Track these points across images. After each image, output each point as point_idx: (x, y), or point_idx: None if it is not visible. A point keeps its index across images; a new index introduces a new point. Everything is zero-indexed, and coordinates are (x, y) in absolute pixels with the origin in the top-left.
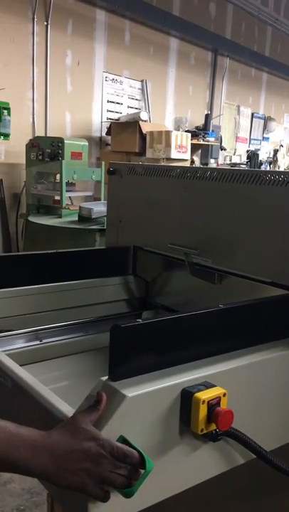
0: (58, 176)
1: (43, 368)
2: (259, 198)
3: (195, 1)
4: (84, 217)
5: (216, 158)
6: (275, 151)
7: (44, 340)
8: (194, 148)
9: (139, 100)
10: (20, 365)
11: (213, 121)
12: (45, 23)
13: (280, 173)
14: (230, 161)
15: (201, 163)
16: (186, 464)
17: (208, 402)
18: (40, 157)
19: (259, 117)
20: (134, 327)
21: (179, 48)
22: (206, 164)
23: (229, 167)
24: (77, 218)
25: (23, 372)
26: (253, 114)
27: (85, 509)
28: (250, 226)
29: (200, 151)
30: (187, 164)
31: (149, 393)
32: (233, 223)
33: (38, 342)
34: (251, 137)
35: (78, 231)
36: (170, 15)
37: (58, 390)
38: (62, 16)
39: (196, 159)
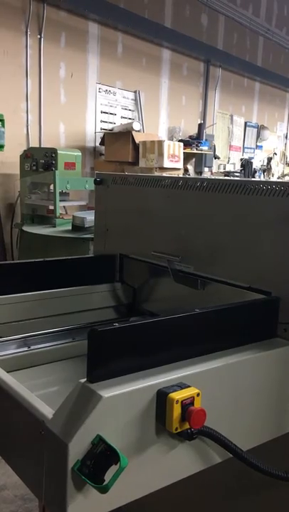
0: (51, 186)
1: (32, 374)
2: (237, 207)
3: (187, 12)
4: (77, 227)
5: (210, 167)
6: (269, 159)
7: (32, 347)
8: (188, 157)
9: (133, 111)
10: (9, 372)
11: (207, 131)
12: (39, 36)
13: (259, 182)
14: (224, 169)
15: (195, 172)
16: (162, 462)
17: (181, 401)
18: (34, 167)
19: (252, 126)
20: (111, 331)
21: (171, 58)
22: (200, 173)
23: (223, 175)
24: (70, 227)
25: (5, 376)
26: (246, 123)
27: (64, 506)
28: (229, 234)
29: (194, 159)
30: (180, 173)
31: (125, 394)
32: (212, 231)
33: (26, 348)
34: (245, 146)
35: (72, 240)
36: (162, 26)
37: (46, 395)
38: (55, 28)
39: (190, 168)
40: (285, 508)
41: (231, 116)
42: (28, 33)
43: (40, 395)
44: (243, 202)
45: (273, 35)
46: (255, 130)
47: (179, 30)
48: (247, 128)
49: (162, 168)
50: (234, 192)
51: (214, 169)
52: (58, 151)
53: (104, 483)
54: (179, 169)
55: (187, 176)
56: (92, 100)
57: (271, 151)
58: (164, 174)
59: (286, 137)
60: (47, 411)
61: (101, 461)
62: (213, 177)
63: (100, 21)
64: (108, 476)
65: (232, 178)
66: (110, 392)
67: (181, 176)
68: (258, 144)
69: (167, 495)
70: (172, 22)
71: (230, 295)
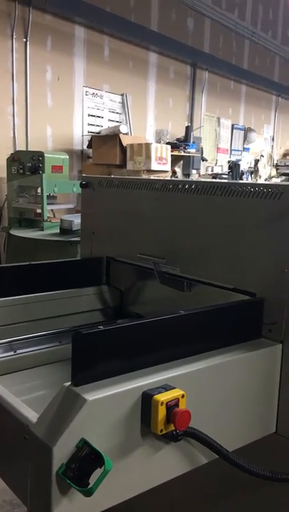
0: (39, 190)
1: (18, 378)
2: (221, 209)
3: (173, 16)
4: (65, 230)
5: (198, 169)
6: (256, 161)
7: (19, 351)
8: (176, 159)
9: (120, 113)
10: None
11: (194, 133)
12: (24, 39)
13: (243, 184)
14: (212, 171)
15: (183, 174)
16: (148, 465)
17: (166, 403)
18: (21, 171)
19: (239, 128)
20: (96, 334)
21: (158, 62)
22: (188, 175)
23: (211, 177)
24: (58, 231)
25: None
26: (233, 126)
27: (49, 510)
28: (215, 236)
29: (181, 162)
30: (168, 176)
31: (110, 397)
32: (198, 233)
33: (12, 353)
34: (232, 148)
35: (60, 243)
36: (148, 30)
37: (32, 400)
38: (41, 32)
39: (178, 170)
40: (272, 507)
41: (218, 118)
42: (14, 36)
43: (27, 399)
44: (229, 204)
45: (259, 39)
46: (242, 132)
47: (165, 33)
48: (234, 130)
49: (150, 171)
50: (220, 194)
51: (202, 171)
52: (45, 155)
53: (89, 486)
54: (166, 172)
55: (175, 178)
56: (79, 103)
57: (258, 153)
58: (152, 177)
59: (273, 139)
60: (31, 415)
61: (86, 464)
62: (200, 179)
63: (86, 25)
64: (93, 479)
65: (219, 180)
66: (95, 395)
67: (167, 178)
68: (245, 146)
69: (156, 496)
70: (158, 25)
71: (216, 296)
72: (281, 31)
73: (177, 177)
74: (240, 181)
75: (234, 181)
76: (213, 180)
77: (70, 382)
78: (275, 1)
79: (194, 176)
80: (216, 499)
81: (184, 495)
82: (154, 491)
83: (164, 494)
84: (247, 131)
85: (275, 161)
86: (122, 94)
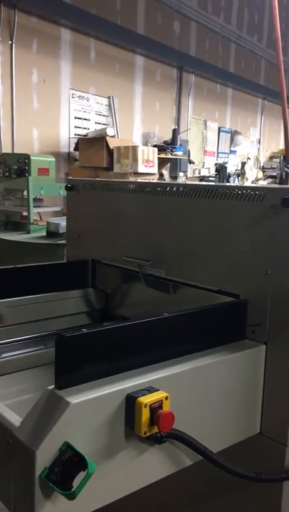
0: (25, 192)
1: (4, 382)
2: (205, 211)
3: (159, 19)
4: (52, 233)
5: (185, 172)
6: (243, 164)
7: (4, 355)
8: (163, 162)
9: (107, 116)
10: None
11: (181, 136)
12: (10, 41)
13: (226, 187)
14: (199, 173)
15: (170, 177)
16: (132, 467)
17: (150, 405)
18: (7, 173)
19: (226, 131)
20: (79, 337)
21: (144, 65)
22: (175, 178)
23: (198, 180)
24: (45, 234)
25: None
26: (219, 128)
27: None
28: (199, 238)
29: (169, 164)
30: (155, 178)
31: (93, 399)
32: (183, 236)
33: None
34: (219, 151)
35: (46, 246)
36: (135, 33)
37: (17, 404)
38: (26, 34)
39: (166, 173)
40: (256, 508)
41: (205, 121)
42: (0, 39)
43: (11, 403)
44: (214, 206)
45: (245, 42)
46: (229, 135)
47: (152, 36)
48: (221, 133)
49: (137, 174)
50: (205, 197)
51: (189, 174)
52: (31, 157)
53: (72, 489)
54: (153, 174)
55: (162, 180)
56: (66, 106)
57: (245, 155)
58: (139, 179)
59: (259, 142)
60: (14, 419)
61: (69, 467)
62: (187, 182)
63: (72, 27)
64: (77, 483)
65: (205, 183)
66: (78, 398)
67: (153, 181)
68: (232, 148)
69: (143, 498)
70: (145, 29)
71: (201, 298)
72: (266, 35)
73: (164, 179)
74: (224, 184)
75: (217, 184)
76: (196, 182)
77: (53, 386)
78: (261, 4)
79: (182, 179)
80: (203, 500)
81: (170, 496)
82: (140, 493)
83: (150, 496)
84: (233, 134)
85: (262, 164)
86: (109, 97)
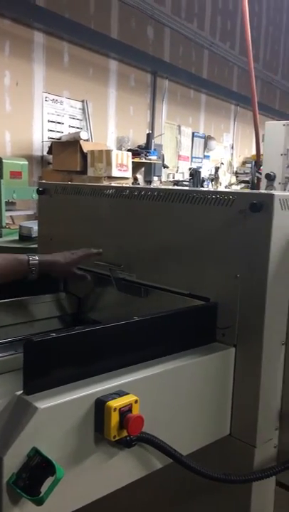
0: None
1: None
2: (177, 216)
3: (132, 24)
4: (24, 236)
5: (159, 176)
6: (216, 169)
7: None
8: (137, 166)
9: (81, 120)
10: None
11: (155, 140)
12: None
13: (197, 191)
14: (174, 178)
15: (145, 181)
16: (102, 471)
17: (119, 409)
18: None
19: (199, 136)
20: (47, 341)
21: (118, 69)
22: (150, 182)
23: (172, 184)
24: (18, 237)
25: None
26: (193, 134)
27: None
28: (170, 242)
29: (143, 169)
30: (129, 182)
31: (62, 404)
32: (155, 240)
33: None
34: (193, 155)
35: (19, 250)
36: (108, 38)
37: None
38: None
39: (140, 177)
40: (227, 509)
41: (179, 126)
42: None
43: None
44: (184, 211)
45: (217, 49)
46: (203, 140)
47: (126, 41)
48: (194, 138)
49: (111, 177)
50: (178, 201)
51: (163, 178)
52: (3, 160)
53: (40, 495)
54: (127, 178)
55: (136, 185)
56: (39, 109)
57: (218, 160)
58: (113, 183)
59: (232, 147)
60: None
61: (37, 473)
62: (160, 186)
63: (46, 31)
64: (45, 488)
65: (179, 187)
66: (46, 403)
67: (124, 185)
68: (206, 153)
69: (115, 501)
70: (118, 33)
71: (172, 302)
72: (239, 42)
73: (139, 184)
74: (200, 188)
75: (198, 188)
76: (166, 187)
77: (21, 391)
78: (233, 12)
79: (156, 183)
80: (175, 502)
81: (141, 500)
82: (110, 497)
83: (120, 500)
84: (207, 139)
85: (235, 169)
86: (83, 101)
